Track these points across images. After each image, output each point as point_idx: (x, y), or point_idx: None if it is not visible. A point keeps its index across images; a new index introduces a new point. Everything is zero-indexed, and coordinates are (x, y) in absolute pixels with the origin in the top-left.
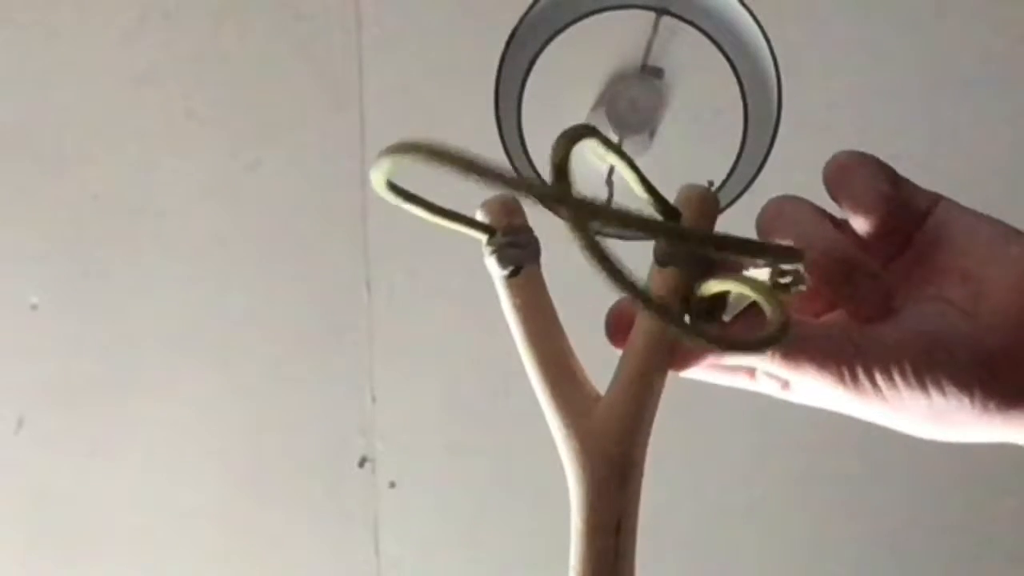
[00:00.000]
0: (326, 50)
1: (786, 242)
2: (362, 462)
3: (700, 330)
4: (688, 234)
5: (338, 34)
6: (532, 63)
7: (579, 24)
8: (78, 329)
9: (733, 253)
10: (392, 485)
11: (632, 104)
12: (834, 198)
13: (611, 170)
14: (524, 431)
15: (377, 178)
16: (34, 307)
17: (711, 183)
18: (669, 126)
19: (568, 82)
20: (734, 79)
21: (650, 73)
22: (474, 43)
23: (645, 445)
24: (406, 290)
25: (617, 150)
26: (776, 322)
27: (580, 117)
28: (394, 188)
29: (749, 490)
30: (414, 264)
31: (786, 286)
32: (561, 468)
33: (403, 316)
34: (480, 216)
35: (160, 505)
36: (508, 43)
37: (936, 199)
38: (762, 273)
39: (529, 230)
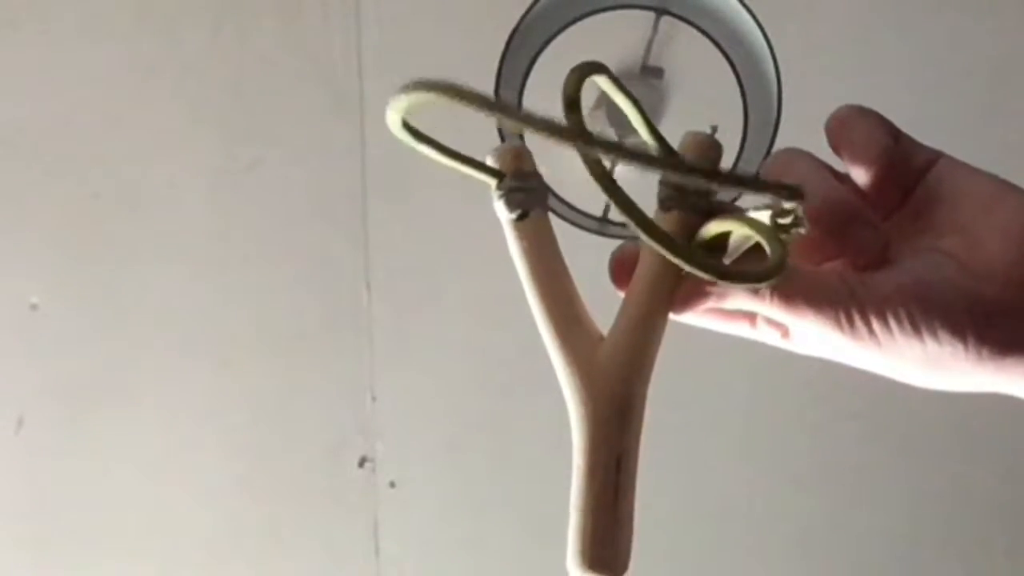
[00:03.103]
0: (326, 50)
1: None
2: (362, 462)
3: (699, 258)
4: (693, 168)
5: (338, 34)
6: (532, 63)
7: (579, 24)
8: (78, 329)
9: (734, 187)
10: (392, 485)
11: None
12: (835, 149)
13: (611, 171)
14: (524, 431)
15: (393, 117)
16: (34, 307)
17: (715, 128)
18: (669, 126)
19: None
20: (734, 79)
21: (650, 73)
22: (474, 43)
23: (646, 386)
24: (406, 290)
25: (624, 90)
26: (776, 257)
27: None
28: (409, 128)
29: (746, 485)
30: (414, 264)
31: (786, 227)
32: (560, 468)
33: (403, 316)
34: (490, 161)
35: (160, 505)
36: (508, 43)
37: (937, 155)
38: (763, 216)
39: (537, 175)
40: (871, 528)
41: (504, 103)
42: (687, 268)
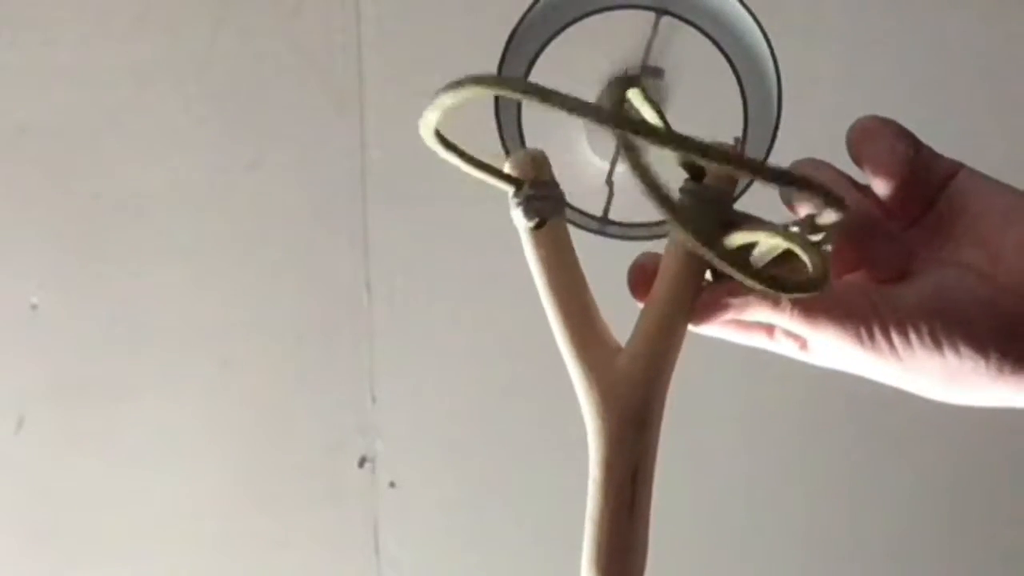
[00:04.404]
0: (326, 50)
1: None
2: (362, 462)
3: (744, 264)
4: (740, 158)
5: (338, 34)
6: (532, 63)
7: (579, 24)
8: (78, 329)
9: (782, 183)
10: (392, 485)
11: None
12: (856, 161)
13: (611, 171)
14: (524, 431)
15: (428, 124)
16: (34, 307)
17: (737, 139)
18: None
19: (568, 82)
20: (734, 79)
21: (650, 73)
22: (474, 43)
23: (664, 397)
24: (406, 290)
25: (653, 103)
26: (818, 268)
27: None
28: (438, 136)
29: (745, 485)
30: (414, 264)
31: (816, 244)
32: (560, 468)
33: (403, 316)
34: (508, 168)
35: (160, 505)
36: (508, 43)
37: (957, 167)
38: (792, 229)
39: (555, 184)
40: (870, 528)
41: (543, 88)
42: (731, 273)
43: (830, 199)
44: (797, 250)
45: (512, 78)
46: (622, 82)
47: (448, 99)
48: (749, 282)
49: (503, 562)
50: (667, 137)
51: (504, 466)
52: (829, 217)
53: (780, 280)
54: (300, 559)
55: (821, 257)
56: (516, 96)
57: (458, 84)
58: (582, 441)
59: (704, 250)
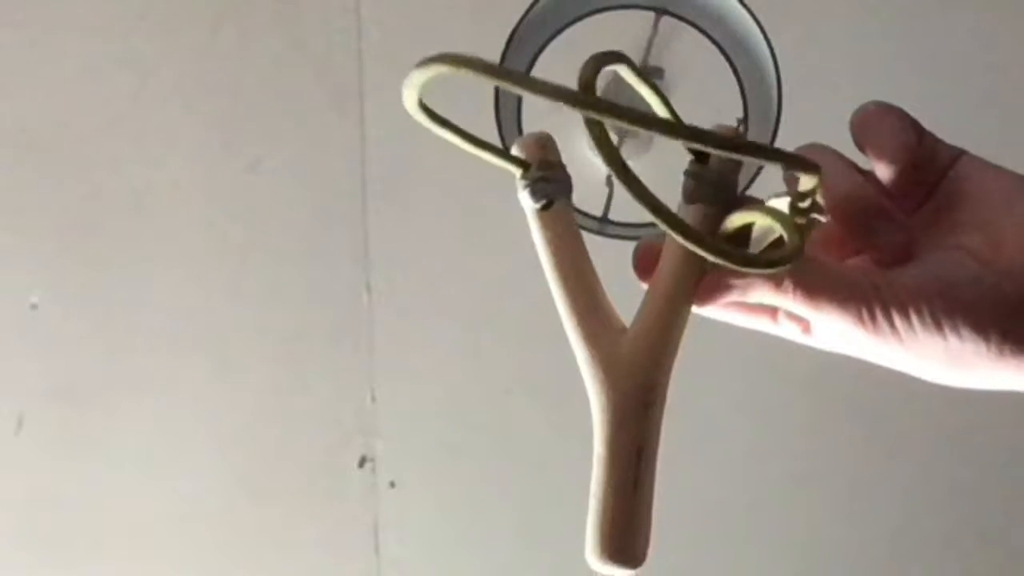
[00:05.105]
0: (326, 50)
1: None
2: (362, 462)
3: (715, 244)
4: (707, 136)
5: (338, 34)
6: (532, 63)
7: (579, 24)
8: (78, 329)
9: (750, 155)
10: (392, 485)
11: (632, 104)
12: (860, 146)
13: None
14: (524, 431)
15: (410, 94)
16: (34, 307)
17: (740, 121)
18: None
19: (568, 82)
20: (734, 79)
21: (650, 73)
22: (474, 43)
23: (668, 376)
24: (406, 290)
25: (647, 80)
26: (792, 243)
27: (579, 117)
28: (427, 110)
29: (748, 488)
30: (414, 265)
31: (805, 211)
32: (559, 468)
33: (403, 317)
34: (515, 150)
35: (160, 505)
36: (508, 43)
37: (959, 153)
38: (782, 203)
39: (562, 166)
40: (871, 527)
41: (510, 70)
42: (704, 253)
43: (801, 164)
44: (774, 223)
45: (480, 59)
46: (604, 58)
47: (418, 76)
48: (717, 259)
49: (503, 562)
50: (635, 117)
51: (504, 466)
52: (808, 183)
53: (751, 256)
54: (300, 559)
55: (798, 232)
56: (483, 77)
57: (428, 61)
58: (582, 440)
59: (668, 228)
